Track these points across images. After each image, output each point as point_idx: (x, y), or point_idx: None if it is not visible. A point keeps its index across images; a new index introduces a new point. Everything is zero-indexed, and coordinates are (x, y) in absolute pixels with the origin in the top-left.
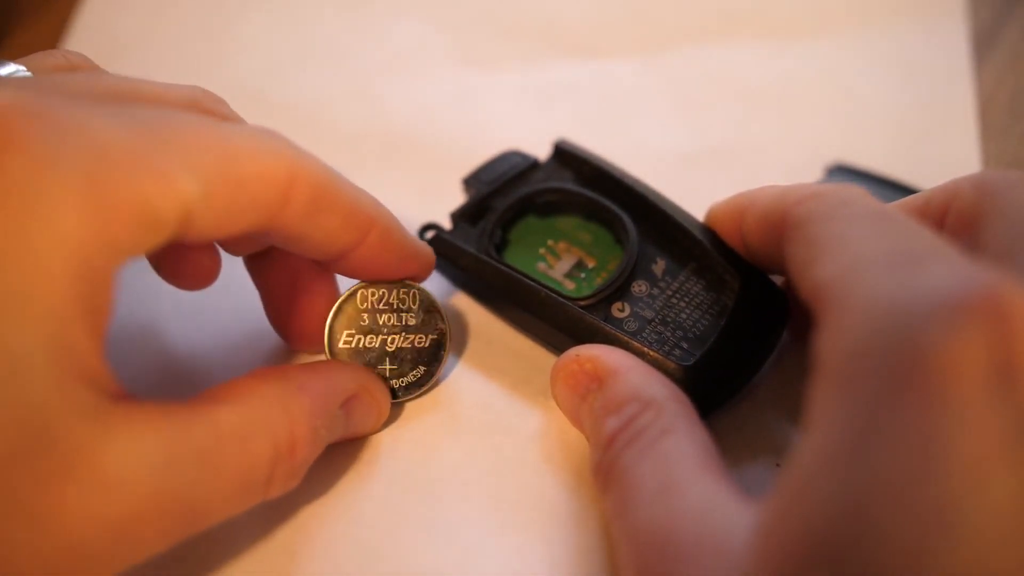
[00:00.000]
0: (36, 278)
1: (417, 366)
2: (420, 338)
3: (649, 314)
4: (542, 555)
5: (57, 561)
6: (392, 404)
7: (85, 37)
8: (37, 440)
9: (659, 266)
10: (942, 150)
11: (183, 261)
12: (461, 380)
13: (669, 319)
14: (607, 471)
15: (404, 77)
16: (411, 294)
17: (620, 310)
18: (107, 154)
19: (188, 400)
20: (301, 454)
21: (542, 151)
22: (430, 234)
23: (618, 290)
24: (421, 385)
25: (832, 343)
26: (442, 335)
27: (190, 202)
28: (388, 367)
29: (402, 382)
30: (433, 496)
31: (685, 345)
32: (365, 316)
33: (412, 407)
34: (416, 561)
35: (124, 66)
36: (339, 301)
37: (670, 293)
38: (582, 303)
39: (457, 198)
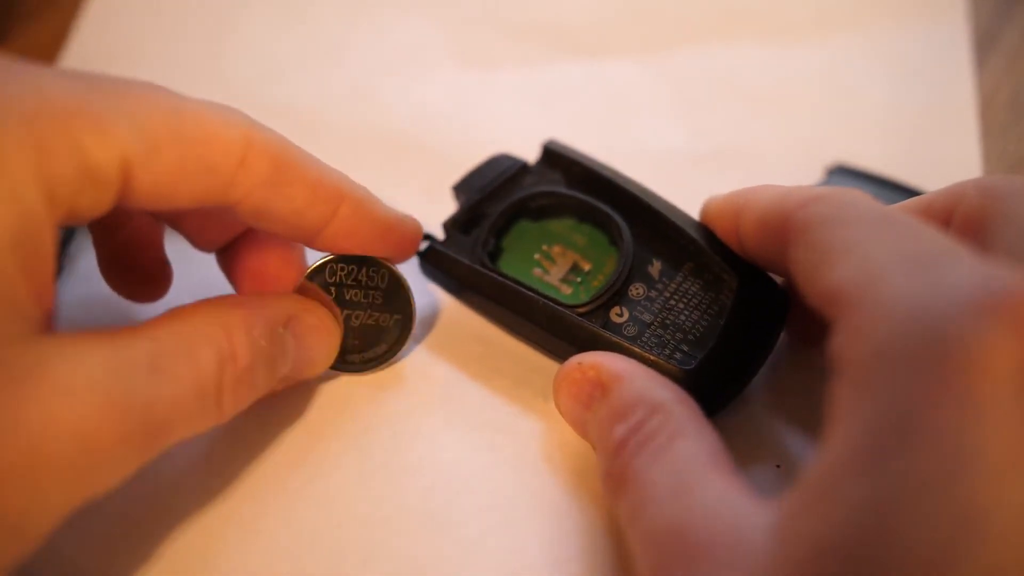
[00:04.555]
0: None
1: (379, 343)
2: (384, 317)
3: (648, 317)
4: (540, 553)
5: (15, 475)
6: (349, 374)
7: (87, 39)
8: None
9: (655, 267)
10: (942, 150)
11: (130, 269)
12: (460, 380)
13: (668, 321)
14: (618, 478)
15: (403, 78)
16: (379, 272)
17: (618, 315)
18: (47, 101)
19: (120, 328)
20: (241, 360)
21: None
22: (423, 245)
23: (615, 294)
24: (380, 362)
25: (854, 345)
26: (407, 316)
27: (130, 155)
28: (350, 341)
29: (363, 356)
30: (432, 494)
31: (685, 348)
32: (332, 289)
33: (412, 406)
34: (415, 558)
35: (125, 68)
36: (308, 272)
37: (668, 295)
38: (580, 310)
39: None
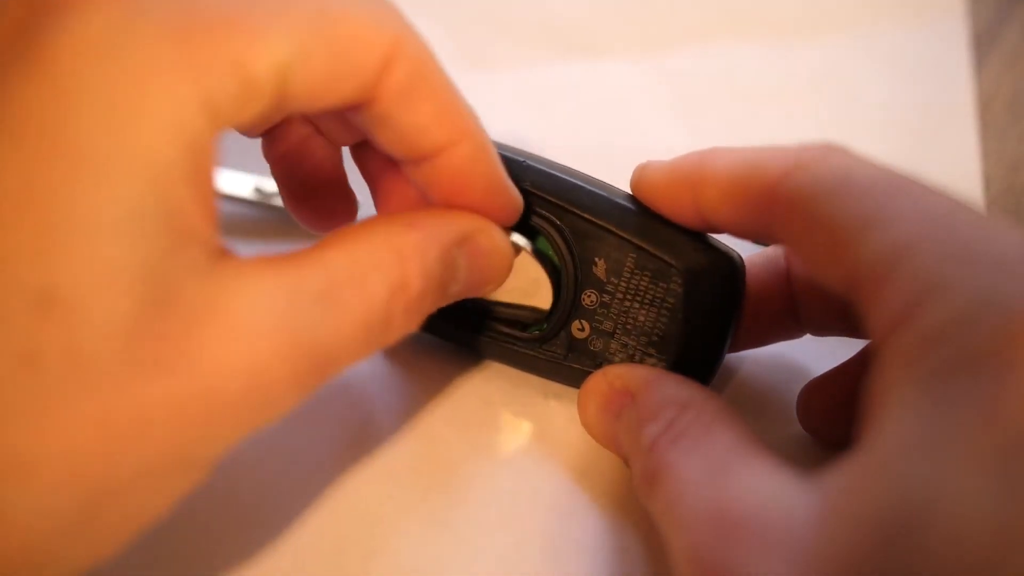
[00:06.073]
0: (139, 139)
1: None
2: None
3: (608, 326)
4: (540, 550)
5: (192, 411)
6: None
7: None
8: (160, 296)
9: (600, 267)
10: (942, 150)
11: (317, 198)
12: (461, 378)
13: (629, 326)
14: (652, 474)
15: None
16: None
17: (580, 329)
18: (196, 9)
19: (294, 252)
20: (413, 289)
21: (542, 151)
22: None
23: (572, 309)
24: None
25: (905, 329)
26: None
27: (285, 64)
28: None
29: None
30: (432, 491)
31: (653, 351)
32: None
33: (411, 404)
34: (415, 556)
35: None
36: None
37: (621, 296)
38: (545, 344)
39: None
